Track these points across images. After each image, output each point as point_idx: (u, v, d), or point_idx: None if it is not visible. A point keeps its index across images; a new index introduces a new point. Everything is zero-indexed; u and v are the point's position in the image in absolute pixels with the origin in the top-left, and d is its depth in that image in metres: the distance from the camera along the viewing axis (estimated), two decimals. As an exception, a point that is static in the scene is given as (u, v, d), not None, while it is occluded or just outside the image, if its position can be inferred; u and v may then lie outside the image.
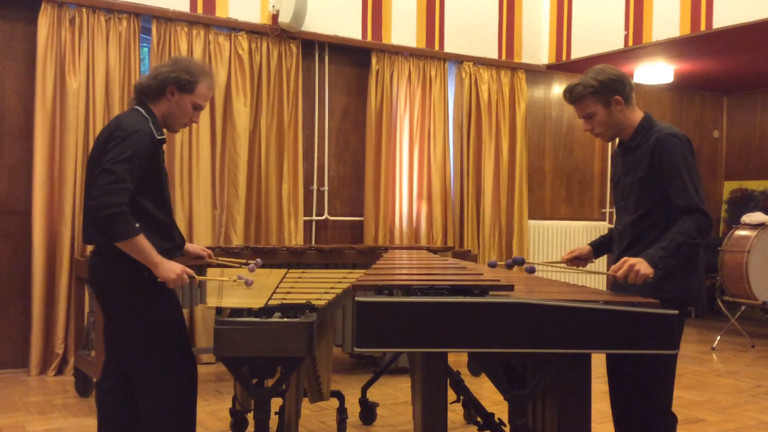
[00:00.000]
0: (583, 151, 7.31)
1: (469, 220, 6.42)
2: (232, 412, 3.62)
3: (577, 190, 7.29)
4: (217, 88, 5.37)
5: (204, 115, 5.31)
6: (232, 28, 5.44)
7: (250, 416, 3.40)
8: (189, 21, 5.27)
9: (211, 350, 3.07)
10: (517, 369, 2.31)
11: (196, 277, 2.61)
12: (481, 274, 2.31)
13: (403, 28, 6.14)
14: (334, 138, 6.03)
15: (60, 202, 4.87)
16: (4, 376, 4.79)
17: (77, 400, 4.31)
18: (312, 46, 5.85)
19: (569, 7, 6.57)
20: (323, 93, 5.95)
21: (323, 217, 5.96)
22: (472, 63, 6.44)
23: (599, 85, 2.55)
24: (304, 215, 5.80)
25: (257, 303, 2.47)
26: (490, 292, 1.96)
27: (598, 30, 6.31)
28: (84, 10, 4.92)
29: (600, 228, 7.24)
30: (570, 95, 2.63)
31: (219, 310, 2.49)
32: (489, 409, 3.17)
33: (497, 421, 3.09)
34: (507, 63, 6.64)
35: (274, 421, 2.86)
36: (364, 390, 3.95)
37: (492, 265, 2.79)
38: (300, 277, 3.14)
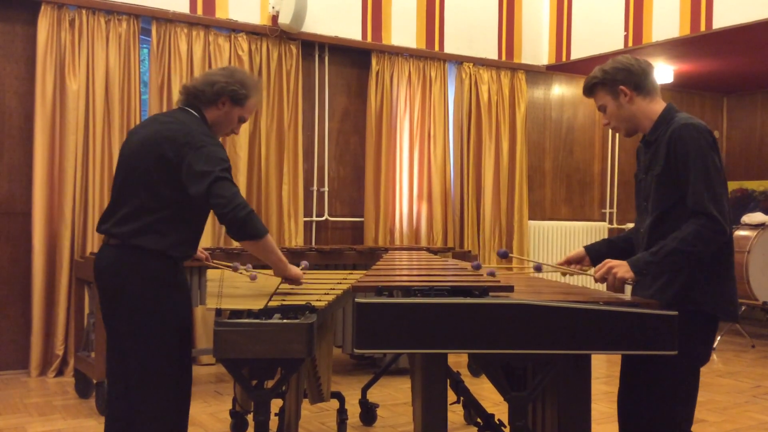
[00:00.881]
0: (583, 152, 7.31)
1: (469, 220, 6.42)
2: (232, 413, 3.62)
3: (577, 191, 7.29)
4: (217, 89, 5.36)
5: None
6: (232, 29, 5.44)
7: (250, 417, 3.39)
8: (189, 22, 5.27)
9: (211, 352, 3.07)
10: (517, 370, 2.31)
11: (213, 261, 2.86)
12: (481, 275, 2.31)
13: (403, 29, 6.14)
14: (334, 139, 6.03)
15: (60, 204, 4.87)
16: (4, 378, 4.79)
17: (77, 401, 4.31)
18: (312, 47, 5.86)
19: (569, 8, 6.57)
20: (323, 94, 5.95)
21: (323, 218, 5.96)
22: (472, 64, 6.44)
23: (603, 76, 2.38)
24: (304, 216, 5.80)
25: (257, 304, 2.46)
26: (490, 293, 1.96)
27: (597, 30, 6.31)
28: (84, 11, 4.92)
29: (600, 228, 7.23)
30: (583, 87, 2.47)
31: (219, 312, 2.49)
32: (489, 410, 3.16)
33: (497, 422, 3.08)
34: (507, 64, 6.64)
35: (274, 423, 2.86)
36: (364, 391, 3.95)
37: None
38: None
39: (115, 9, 5.02)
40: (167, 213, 2.50)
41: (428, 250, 4.68)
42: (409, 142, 6.19)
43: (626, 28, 6.04)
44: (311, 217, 5.90)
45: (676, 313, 1.86)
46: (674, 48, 6.01)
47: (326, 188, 5.98)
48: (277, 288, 2.79)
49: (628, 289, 2.47)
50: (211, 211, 2.55)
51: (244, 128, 5.45)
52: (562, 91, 7.16)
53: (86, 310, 4.69)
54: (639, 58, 2.43)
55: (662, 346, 1.84)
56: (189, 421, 3.86)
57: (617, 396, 2.39)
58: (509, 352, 1.81)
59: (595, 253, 2.57)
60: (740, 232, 6.41)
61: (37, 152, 4.82)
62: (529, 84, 6.81)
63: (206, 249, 3.70)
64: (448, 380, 2.68)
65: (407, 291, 1.99)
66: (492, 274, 2.53)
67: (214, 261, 3.09)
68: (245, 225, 2.43)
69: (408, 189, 6.20)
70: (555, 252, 6.93)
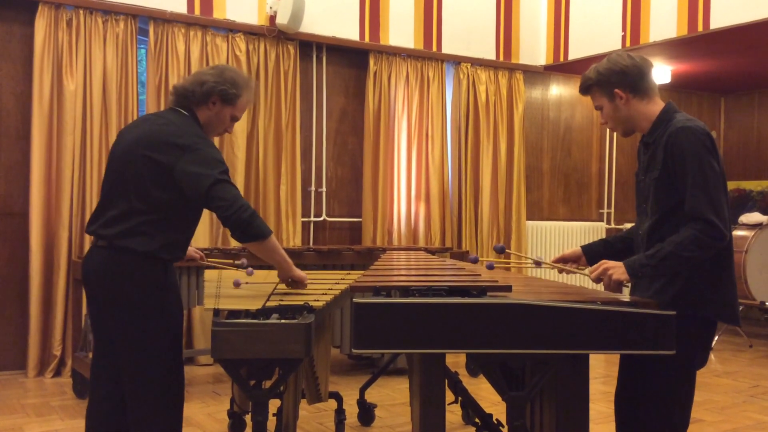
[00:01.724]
0: (581, 152, 7.31)
1: (467, 221, 6.43)
2: (230, 413, 3.62)
3: (575, 191, 7.30)
4: (215, 90, 5.36)
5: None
6: (230, 29, 5.44)
7: (248, 418, 3.40)
8: (186, 22, 5.26)
9: (209, 352, 3.06)
10: (515, 370, 2.30)
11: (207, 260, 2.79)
12: (479, 275, 2.31)
13: (401, 30, 6.14)
14: (332, 139, 6.03)
15: (57, 204, 4.87)
16: (1, 378, 4.78)
17: (75, 402, 4.30)
18: (309, 47, 5.85)
19: (567, 8, 6.58)
20: (321, 94, 5.95)
21: (321, 219, 5.96)
22: (469, 64, 6.44)
23: (598, 78, 2.34)
24: (302, 216, 5.80)
25: (255, 304, 2.46)
26: (488, 293, 1.96)
27: (595, 31, 6.32)
28: (81, 11, 4.92)
29: (598, 228, 7.24)
30: (580, 86, 2.43)
31: (216, 312, 2.49)
32: (487, 410, 3.16)
33: (495, 422, 3.09)
34: (505, 64, 6.65)
35: (272, 423, 2.86)
36: (362, 391, 3.95)
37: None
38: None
39: (112, 9, 5.01)
40: (156, 215, 2.48)
41: (426, 250, 4.68)
42: (407, 143, 6.19)
43: (624, 29, 6.05)
44: (309, 217, 5.90)
45: (674, 313, 1.85)
46: (672, 48, 6.02)
47: (324, 188, 5.98)
48: (275, 288, 2.79)
49: (626, 289, 2.46)
50: (206, 211, 2.54)
51: (242, 129, 5.44)
52: (560, 91, 7.16)
53: (84, 311, 4.68)
54: (635, 57, 2.37)
55: (660, 346, 1.84)
56: (187, 421, 3.87)
57: (614, 397, 2.38)
58: (507, 351, 1.81)
59: (592, 253, 2.56)
60: (738, 232, 6.42)
61: (35, 153, 4.82)
62: (526, 84, 6.82)
63: (203, 249, 3.70)
64: (446, 380, 2.68)
65: (405, 291, 1.99)
66: (491, 267, 2.54)
67: (210, 260, 3.08)
68: (249, 226, 2.43)
69: (406, 189, 6.20)
70: (553, 252, 6.94)
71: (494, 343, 1.80)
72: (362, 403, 3.90)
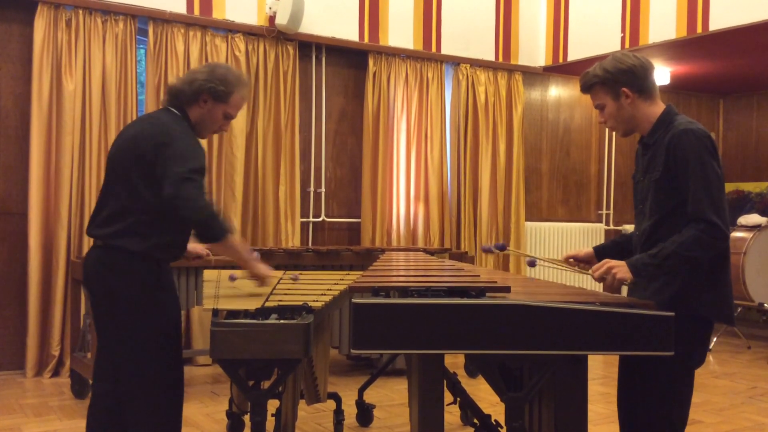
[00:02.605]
0: (579, 153, 7.32)
1: (466, 221, 6.43)
2: (229, 414, 3.62)
3: (574, 192, 7.30)
4: (214, 90, 5.36)
5: (201, 117, 5.31)
6: (229, 29, 5.44)
7: (246, 418, 3.39)
8: (186, 22, 5.26)
9: (208, 352, 3.06)
10: (513, 371, 2.31)
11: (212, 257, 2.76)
12: (478, 276, 2.31)
13: (400, 30, 6.14)
14: (331, 140, 6.03)
15: (56, 204, 4.86)
16: (0, 378, 4.78)
17: (73, 402, 4.30)
18: (309, 47, 5.86)
19: (566, 9, 6.59)
20: (320, 95, 5.95)
21: (320, 219, 5.96)
22: (469, 65, 6.44)
23: (605, 76, 2.33)
24: (301, 217, 5.80)
25: (254, 305, 2.46)
26: (487, 294, 1.96)
27: (594, 32, 6.32)
28: (80, 11, 4.92)
29: (596, 230, 7.24)
30: (581, 84, 2.41)
31: (215, 312, 2.49)
32: (486, 411, 3.17)
33: (494, 423, 3.09)
34: (504, 65, 6.65)
35: (270, 423, 2.86)
36: (361, 392, 3.95)
37: (501, 248, 2.66)
38: (297, 279, 3.13)
39: (111, 9, 5.01)
40: (149, 215, 2.49)
41: (425, 251, 4.68)
42: (406, 143, 6.19)
43: (623, 30, 6.05)
44: (308, 218, 5.90)
45: (672, 314, 1.86)
46: (671, 50, 6.02)
47: (323, 189, 5.98)
48: (274, 288, 2.79)
49: (624, 289, 2.47)
50: None
51: (241, 129, 5.44)
52: (559, 92, 7.17)
53: (82, 311, 4.67)
54: (640, 57, 2.37)
55: (659, 347, 1.84)
56: (185, 421, 3.86)
57: (617, 399, 2.39)
58: (506, 352, 1.81)
59: (604, 253, 2.55)
60: (736, 234, 6.43)
61: (33, 152, 4.82)
62: (526, 85, 6.82)
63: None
64: (445, 381, 2.68)
65: (404, 291, 1.99)
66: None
67: (216, 257, 3.09)
68: (205, 228, 2.42)
69: (405, 190, 6.20)
70: (552, 253, 6.94)
71: (493, 343, 1.80)
72: (361, 404, 3.90)
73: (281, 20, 5.42)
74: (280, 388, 2.79)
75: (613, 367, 2.56)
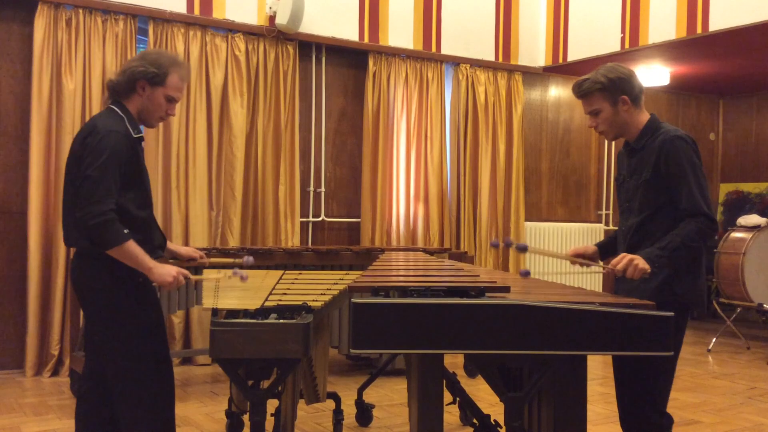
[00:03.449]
0: (579, 153, 7.32)
1: (465, 221, 6.43)
2: (228, 413, 3.62)
3: (573, 192, 7.30)
4: (214, 90, 5.37)
5: (201, 117, 5.31)
6: (229, 29, 5.44)
7: (245, 418, 3.39)
8: (186, 22, 5.27)
9: (207, 352, 3.06)
10: (513, 371, 2.31)
11: (192, 277, 2.62)
12: (478, 276, 2.31)
13: (400, 30, 6.15)
14: (331, 139, 6.03)
15: (56, 203, 4.86)
16: (-1, 378, 4.78)
17: (72, 401, 4.29)
18: (309, 47, 5.86)
19: (566, 10, 6.59)
20: (320, 94, 5.95)
21: (320, 219, 5.96)
22: (469, 65, 6.44)
23: (608, 83, 2.54)
24: (301, 217, 5.80)
25: (253, 304, 2.46)
26: (487, 294, 1.96)
27: (594, 32, 6.32)
28: (80, 10, 4.92)
29: (596, 230, 7.24)
30: (578, 90, 2.60)
31: (215, 312, 2.49)
32: (485, 411, 3.17)
33: (493, 423, 3.09)
34: (504, 65, 6.65)
35: (270, 423, 2.86)
36: (360, 391, 3.95)
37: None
38: (296, 279, 3.14)
39: (111, 8, 5.01)
40: None
41: (425, 251, 4.68)
42: (406, 143, 6.19)
43: (623, 30, 6.05)
44: (308, 217, 5.90)
45: (671, 314, 1.86)
46: (670, 50, 6.02)
47: (323, 189, 5.98)
48: (274, 288, 2.79)
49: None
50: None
51: (241, 129, 5.44)
52: (559, 92, 7.17)
53: (81, 310, 4.69)
54: (627, 68, 2.61)
55: (658, 347, 1.84)
56: (184, 421, 3.87)
57: (616, 395, 2.55)
58: (505, 352, 1.82)
59: (603, 248, 2.81)
60: (736, 234, 6.43)
61: (33, 152, 4.82)
62: (525, 85, 6.82)
63: (202, 249, 3.69)
64: (444, 381, 2.68)
65: (403, 291, 1.99)
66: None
67: (211, 260, 3.08)
68: (95, 236, 2.41)
69: (405, 190, 6.20)
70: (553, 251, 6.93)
71: (492, 343, 1.81)
72: (360, 404, 3.90)
73: (281, 20, 5.42)
74: (280, 388, 2.79)
75: (612, 367, 2.57)
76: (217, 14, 5.38)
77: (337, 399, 3.73)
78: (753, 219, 6.50)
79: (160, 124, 5.12)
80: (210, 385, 4.76)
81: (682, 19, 5.62)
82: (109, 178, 2.41)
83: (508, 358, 1.90)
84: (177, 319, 5.21)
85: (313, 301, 2.57)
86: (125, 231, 2.42)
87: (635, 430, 2.51)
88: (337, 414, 3.68)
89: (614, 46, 6.11)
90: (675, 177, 2.47)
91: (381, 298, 1.91)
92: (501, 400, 1.94)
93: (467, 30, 6.47)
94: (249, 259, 2.91)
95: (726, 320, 6.42)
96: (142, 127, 2.68)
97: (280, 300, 2.56)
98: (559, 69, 6.86)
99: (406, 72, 6.16)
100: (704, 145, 8.11)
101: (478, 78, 6.49)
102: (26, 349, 4.83)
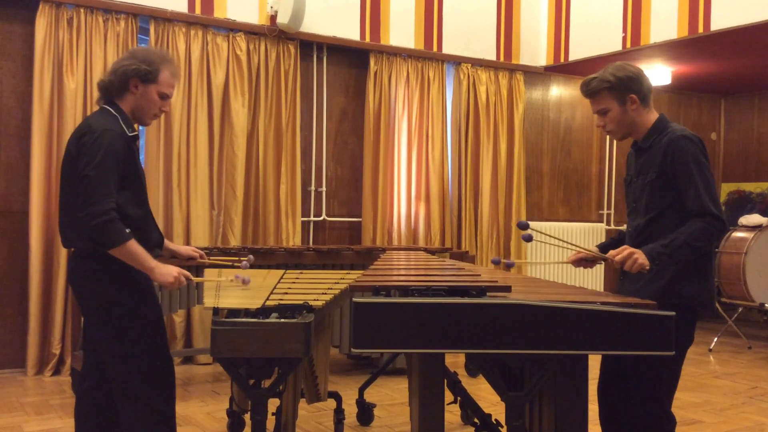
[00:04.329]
0: (580, 153, 7.31)
1: (467, 221, 6.43)
2: (229, 412, 3.62)
3: (574, 192, 7.30)
4: (215, 89, 5.37)
5: (202, 116, 5.31)
6: (230, 28, 5.44)
7: (247, 417, 3.40)
8: (187, 21, 5.27)
9: (208, 351, 3.06)
10: (514, 370, 2.31)
11: (193, 279, 2.62)
12: (479, 275, 2.31)
13: (402, 30, 6.14)
14: (332, 139, 6.03)
15: (57, 203, 4.85)
16: (0, 377, 4.78)
17: (74, 400, 4.29)
18: (310, 47, 5.86)
19: (567, 9, 6.58)
20: (321, 94, 5.95)
21: (321, 218, 5.96)
22: (470, 64, 6.44)
23: (616, 81, 2.51)
24: (302, 216, 5.80)
25: (255, 303, 2.46)
26: (488, 293, 1.96)
27: (596, 32, 6.32)
28: (82, 10, 4.92)
29: (597, 229, 7.24)
30: (586, 88, 2.57)
31: (216, 311, 2.49)
32: (486, 410, 3.17)
33: (494, 422, 3.09)
34: (505, 64, 6.65)
35: (271, 422, 2.86)
36: (361, 391, 3.95)
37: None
38: (297, 278, 3.14)
39: (113, 8, 5.01)
40: None
41: (426, 250, 4.68)
42: (407, 143, 6.19)
43: (624, 30, 6.05)
44: (309, 217, 5.90)
45: (673, 314, 1.86)
46: (672, 49, 6.02)
47: (324, 188, 5.98)
48: (275, 287, 2.79)
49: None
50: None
51: (242, 128, 5.45)
52: (560, 92, 7.16)
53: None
54: (636, 67, 2.56)
55: (660, 347, 1.84)
56: (186, 420, 3.87)
57: (597, 388, 2.55)
58: (506, 352, 1.81)
59: (605, 249, 2.73)
60: (737, 234, 6.43)
61: (35, 151, 4.82)
62: (527, 85, 6.82)
63: (203, 248, 3.69)
64: (445, 380, 2.69)
65: (405, 291, 1.99)
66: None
67: (210, 259, 3.08)
68: (95, 236, 2.41)
69: (406, 189, 6.20)
70: (552, 253, 6.93)
71: (493, 343, 1.80)
72: (361, 403, 3.90)
73: (282, 19, 5.42)
74: (281, 387, 2.79)
75: (613, 366, 2.56)
76: (218, 14, 5.39)
77: (338, 398, 3.73)
78: (754, 219, 6.50)
79: (161, 124, 5.18)
80: (211, 384, 4.77)
81: (683, 19, 5.62)
82: (107, 178, 2.42)
83: (509, 358, 1.90)
84: (178, 318, 5.21)
85: (315, 300, 2.57)
86: (127, 230, 2.43)
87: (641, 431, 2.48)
88: (338, 413, 3.68)
89: (615, 46, 6.11)
90: (681, 177, 2.44)
91: (382, 297, 1.91)
92: (502, 400, 1.94)
93: (468, 29, 6.46)
94: (249, 258, 2.92)
95: (727, 320, 6.41)
96: (142, 129, 2.69)
97: (282, 299, 2.56)
98: (560, 68, 6.85)
99: (408, 71, 6.16)
100: (706, 145, 8.09)
101: (480, 77, 6.48)
102: (27, 348, 4.84)
